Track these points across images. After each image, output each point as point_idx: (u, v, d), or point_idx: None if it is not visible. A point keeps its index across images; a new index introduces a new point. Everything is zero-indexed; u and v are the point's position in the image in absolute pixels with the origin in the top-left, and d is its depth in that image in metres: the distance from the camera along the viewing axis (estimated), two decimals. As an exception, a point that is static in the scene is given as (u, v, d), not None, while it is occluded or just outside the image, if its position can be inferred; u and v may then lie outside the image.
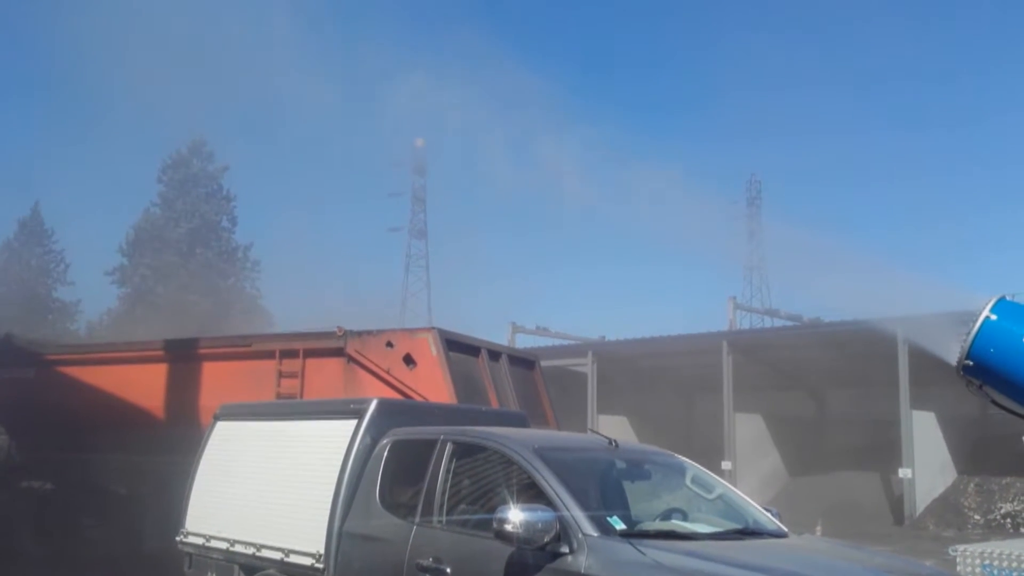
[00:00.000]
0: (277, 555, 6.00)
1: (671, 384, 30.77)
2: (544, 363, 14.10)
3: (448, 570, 4.99)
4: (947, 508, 23.37)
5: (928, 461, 23.61)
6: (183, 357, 12.57)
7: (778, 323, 36.74)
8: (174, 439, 10.40)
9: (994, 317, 8.08)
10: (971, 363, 8.21)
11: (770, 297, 54.07)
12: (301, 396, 11.03)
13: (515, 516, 4.55)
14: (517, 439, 5.45)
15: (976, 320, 8.14)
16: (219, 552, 6.53)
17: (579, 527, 4.61)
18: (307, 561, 5.77)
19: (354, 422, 5.97)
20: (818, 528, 17.55)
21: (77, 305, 45.15)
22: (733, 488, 6.16)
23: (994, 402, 8.79)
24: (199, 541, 6.72)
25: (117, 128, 74.85)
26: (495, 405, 10.81)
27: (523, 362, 12.81)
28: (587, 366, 29.52)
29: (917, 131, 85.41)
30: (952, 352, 8.43)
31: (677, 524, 5.32)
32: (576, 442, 6.19)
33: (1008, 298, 8.32)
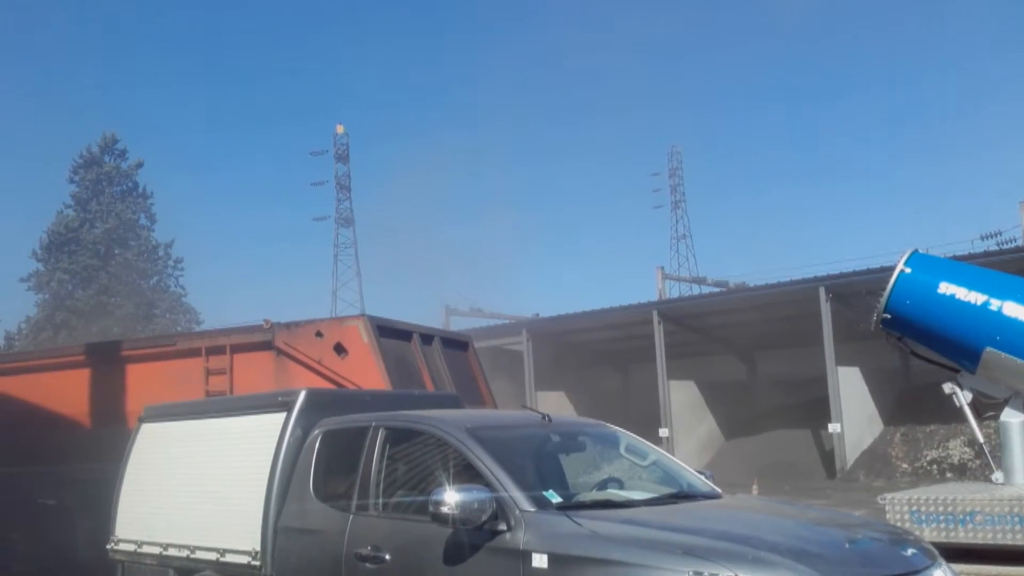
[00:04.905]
0: (212, 555, 5.88)
1: (606, 356, 31.12)
2: (480, 343, 14.09)
3: (387, 557, 4.95)
4: (876, 459, 24.16)
5: (856, 415, 24.36)
6: (106, 361, 12.20)
7: (706, 290, 37.42)
8: (102, 446, 10.09)
9: (908, 270, 8.33)
10: (889, 316, 8.46)
11: (696, 265, 55.14)
12: (231, 393, 10.80)
13: (451, 497, 4.53)
14: (450, 420, 5.42)
15: (891, 274, 8.38)
16: (152, 557, 6.37)
17: (515, 504, 4.60)
18: (243, 559, 5.66)
19: (283, 415, 5.85)
20: (754, 487, 17.95)
21: (-7, 315, 43.47)
22: (667, 454, 6.24)
23: (914, 353, 9.08)
24: (131, 548, 6.55)
25: (24, 128, 72.10)
26: (430, 389, 10.75)
27: (456, 344, 12.75)
28: (523, 344, 29.64)
29: (839, 97, 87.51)
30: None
31: (613, 493, 5.37)
32: (509, 419, 6.19)
33: (921, 251, 8.58)
